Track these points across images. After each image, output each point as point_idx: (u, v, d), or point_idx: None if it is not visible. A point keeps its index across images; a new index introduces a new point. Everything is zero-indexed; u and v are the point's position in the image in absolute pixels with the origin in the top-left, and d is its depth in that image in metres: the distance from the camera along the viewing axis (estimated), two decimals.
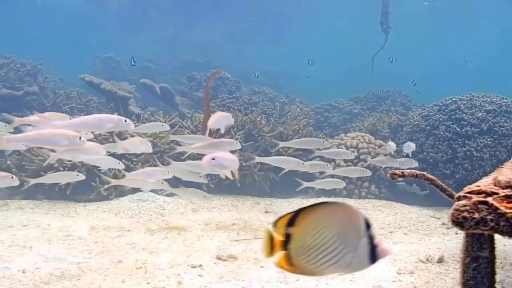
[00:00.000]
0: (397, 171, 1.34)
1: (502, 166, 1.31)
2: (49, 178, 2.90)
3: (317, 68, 9.15)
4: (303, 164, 3.04)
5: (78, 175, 2.74)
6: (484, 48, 17.70)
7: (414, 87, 8.08)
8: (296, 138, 4.35)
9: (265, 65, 12.67)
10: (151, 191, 3.71)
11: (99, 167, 3.12)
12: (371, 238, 1.06)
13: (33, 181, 2.76)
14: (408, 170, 1.34)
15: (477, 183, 1.08)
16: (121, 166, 2.75)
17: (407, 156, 3.64)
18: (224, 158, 2.15)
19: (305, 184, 3.18)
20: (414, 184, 4.36)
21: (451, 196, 1.29)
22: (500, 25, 16.29)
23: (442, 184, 1.29)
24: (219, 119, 2.78)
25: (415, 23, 15.10)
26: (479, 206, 0.96)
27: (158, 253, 2.33)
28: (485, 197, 0.98)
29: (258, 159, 3.14)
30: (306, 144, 3.47)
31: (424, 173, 1.31)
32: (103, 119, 2.21)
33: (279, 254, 1.14)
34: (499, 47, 17.73)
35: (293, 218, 1.15)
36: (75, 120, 2.26)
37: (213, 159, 2.14)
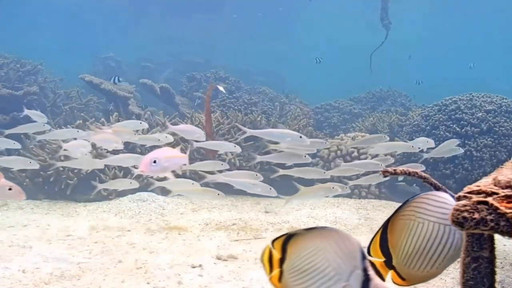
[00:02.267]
0: (389, 169, 1.33)
1: (502, 166, 1.31)
2: (111, 184, 3.05)
3: (317, 68, 9.15)
4: (381, 165, 3.07)
5: (131, 182, 2.88)
6: (485, 47, 17.69)
7: (413, 87, 8.09)
8: None
9: (265, 65, 12.68)
10: (151, 190, 3.71)
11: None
12: (365, 271, 0.98)
13: (100, 186, 2.96)
14: (401, 168, 1.33)
15: (477, 183, 1.08)
16: (196, 185, 2.75)
17: (421, 152, 3.61)
18: (167, 159, 2.02)
19: (352, 183, 3.19)
20: (414, 184, 4.36)
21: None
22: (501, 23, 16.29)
23: (436, 182, 1.28)
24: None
25: (415, 21, 15.12)
26: (479, 206, 0.96)
27: (158, 253, 2.33)
28: (485, 197, 0.98)
29: (341, 166, 3.12)
30: (370, 141, 3.52)
31: (417, 171, 1.31)
32: (195, 130, 2.87)
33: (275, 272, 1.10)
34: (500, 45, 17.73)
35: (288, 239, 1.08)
36: (181, 126, 3.01)
37: (154, 161, 1.96)
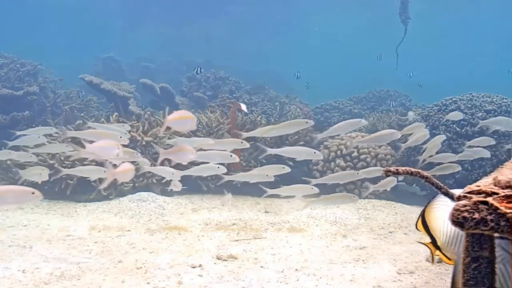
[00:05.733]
0: (391, 168, 1.32)
1: (502, 166, 1.31)
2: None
3: (318, 68, 9.14)
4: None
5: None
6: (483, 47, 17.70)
7: (412, 87, 8.08)
8: (296, 139, 4.35)
9: (265, 65, 12.68)
10: (151, 191, 3.71)
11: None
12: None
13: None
14: (403, 168, 1.33)
15: (477, 183, 1.08)
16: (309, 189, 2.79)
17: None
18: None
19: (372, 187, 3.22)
20: (414, 184, 4.35)
21: (447, 193, 1.29)
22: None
23: (437, 181, 1.28)
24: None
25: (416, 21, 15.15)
26: (479, 206, 0.96)
27: (158, 253, 2.33)
28: (485, 197, 0.98)
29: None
30: (381, 139, 3.57)
31: (419, 170, 1.30)
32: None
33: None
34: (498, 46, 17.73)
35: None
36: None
37: None
